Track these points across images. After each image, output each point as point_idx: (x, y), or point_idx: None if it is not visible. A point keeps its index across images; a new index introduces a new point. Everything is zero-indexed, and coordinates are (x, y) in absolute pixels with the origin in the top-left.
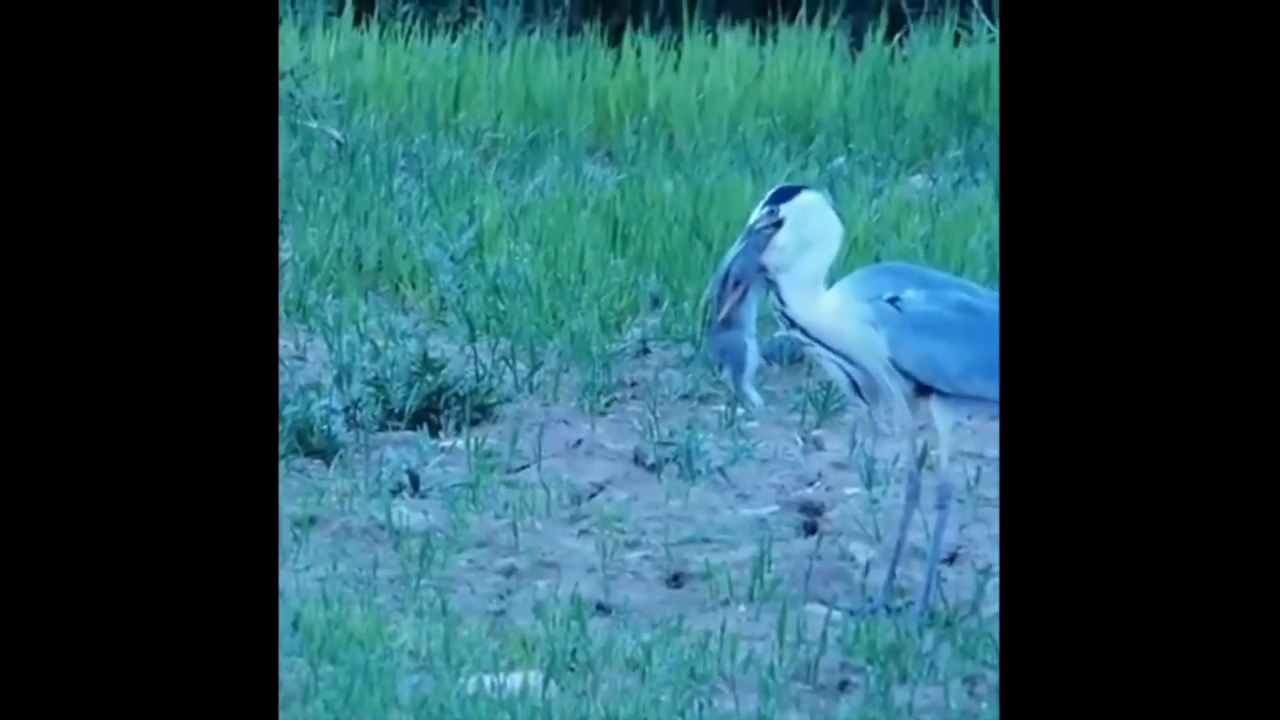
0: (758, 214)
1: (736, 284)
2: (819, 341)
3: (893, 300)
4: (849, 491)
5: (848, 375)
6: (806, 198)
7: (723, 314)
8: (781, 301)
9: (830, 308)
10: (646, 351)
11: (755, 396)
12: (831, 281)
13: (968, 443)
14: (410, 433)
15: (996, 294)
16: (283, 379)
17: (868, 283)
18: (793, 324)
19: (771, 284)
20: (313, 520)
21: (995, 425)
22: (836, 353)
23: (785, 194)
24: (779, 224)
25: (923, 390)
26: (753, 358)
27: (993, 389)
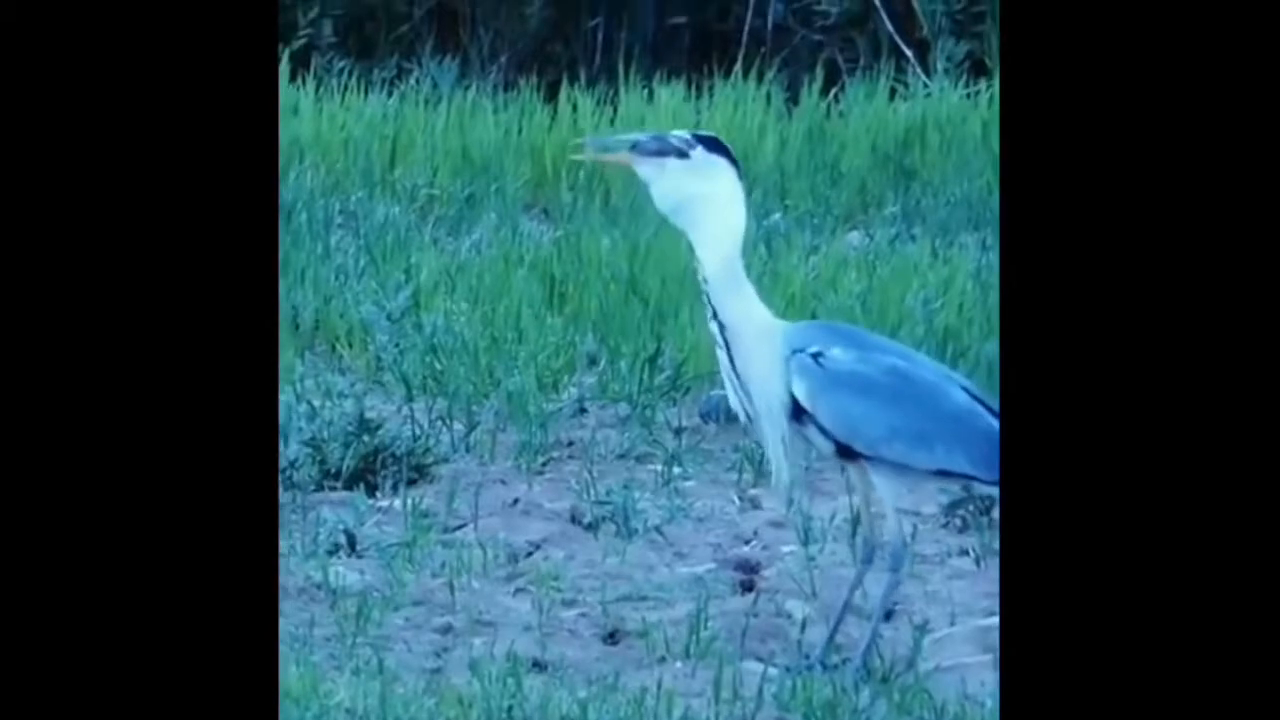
0: (679, 133)
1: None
2: (728, 347)
3: (816, 355)
4: (786, 549)
5: (739, 399)
6: (722, 161)
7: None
8: (705, 280)
9: (757, 327)
10: (583, 411)
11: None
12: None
13: (903, 500)
14: (347, 493)
15: (938, 365)
16: None
17: (802, 334)
18: (715, 314)
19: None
20: None
21: (930, 485)
22: (735, 370)
23: (711, 143)
24: (684, 154)
25: (847, 452)
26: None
27: (918, 458)
